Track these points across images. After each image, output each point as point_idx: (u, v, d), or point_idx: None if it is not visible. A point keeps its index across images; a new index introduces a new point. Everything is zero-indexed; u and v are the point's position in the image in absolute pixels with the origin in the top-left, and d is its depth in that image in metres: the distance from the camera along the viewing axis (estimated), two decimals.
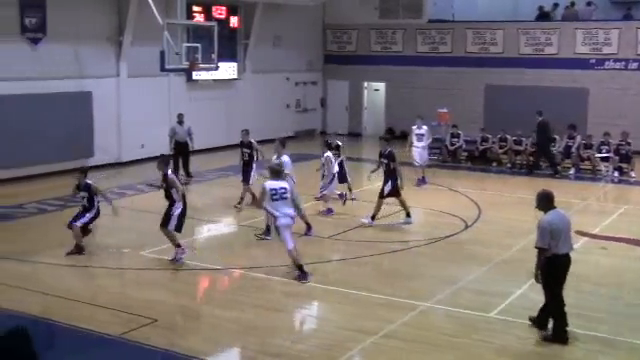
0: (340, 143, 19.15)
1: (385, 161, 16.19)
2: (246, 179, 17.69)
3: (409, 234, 15.43)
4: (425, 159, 21.35)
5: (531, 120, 23.85)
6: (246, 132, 18.30)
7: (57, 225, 15.07)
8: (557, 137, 24.33)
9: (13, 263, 12.93)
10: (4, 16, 20.50)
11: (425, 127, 21.33)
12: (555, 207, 9.70)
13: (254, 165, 17.75)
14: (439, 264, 13.48)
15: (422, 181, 20.97)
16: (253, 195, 16.98)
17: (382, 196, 16.08)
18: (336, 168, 17.57)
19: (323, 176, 17.48)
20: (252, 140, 18.05)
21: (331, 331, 10.07)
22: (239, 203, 17.29)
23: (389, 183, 16.02)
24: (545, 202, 9.70)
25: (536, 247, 9.55)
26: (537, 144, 24.01)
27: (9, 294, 11.43)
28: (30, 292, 11.71)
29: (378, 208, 16.06)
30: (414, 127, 21.32)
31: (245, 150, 18.01)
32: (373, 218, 16.04)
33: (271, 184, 12.06)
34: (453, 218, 16.92)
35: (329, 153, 17.58)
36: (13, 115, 20.45)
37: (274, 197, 11.96)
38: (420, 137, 21.19)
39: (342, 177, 18.39)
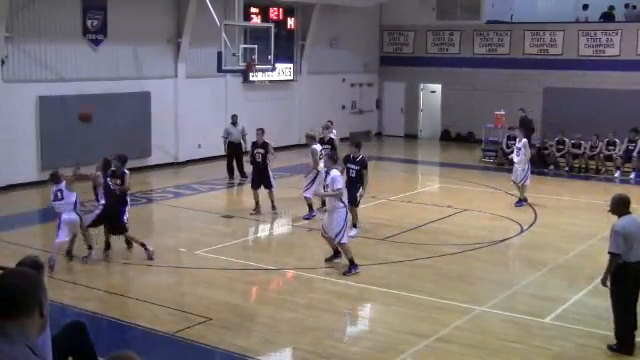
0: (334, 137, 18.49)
1: (356, 168, 14.82)
2: (267, 184, 16.96)
3: (464, 237, 15.29)
4: (520, 176, 18.38)
5: (597, 124, 23.51)
6: (261, 131, 17.49)
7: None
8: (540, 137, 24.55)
9: (73, 260, 13.19)
10: (67, 18, 20.94)
11: (524, 140, 18.76)
12: (630, 212, 9.28)
13: (269, 168, 17.11)
14: (494, 268, 13.35)
15: (519, 202, 18.40)
16: (273, 201, 16.98)
17: (356, 204, 14.99)
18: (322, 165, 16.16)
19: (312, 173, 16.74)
20: (267, 141, 17.32)
21: (384, 333, 10.04)
22: (255, 210, 16.98)
23: (360, 190, 14.91)
24: (621, 207, 9.27)
25: (609, 252, 9.14)
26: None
27: (68, 291, 11.66)
28: (88, 289, 11.95)
29: (355, 215, 15.16)
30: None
31: (259, 151, 17.12)
32: (355, 225, 15.14)
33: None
34: (509, 222, 16.71)
35: (316, 145, 16.83)
36: (74, 115, 20.86)
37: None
38: (517, 151, 18.60)
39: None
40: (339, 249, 12.82)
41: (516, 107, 28.16)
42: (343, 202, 12.52)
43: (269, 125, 26.18)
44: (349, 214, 12.64)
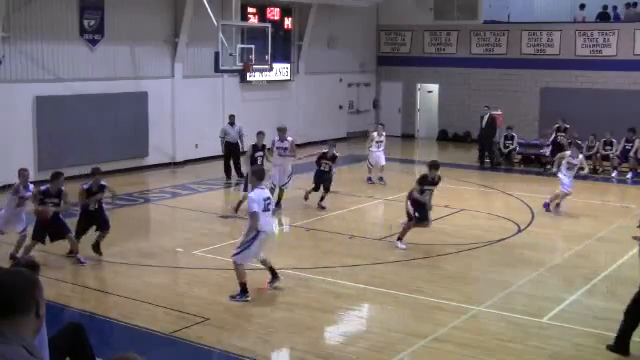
0: (337, 154, 18.18)
1: (432, 188, 14.33)
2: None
3: (461, 237, 15.29)
4: (566, 186, 17.42)
5: (594, 124, 23.54)
6: (262, 135, 17.47)
7: (111, 223, 15.31)
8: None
9: (70, 260, 13.18)
10: (64, 18, 20.92)
11: (581, 157, 17.67)
12: None
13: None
14: (491, 268, 13.34)
15: (548, 207, 17.64)
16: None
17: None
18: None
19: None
20: (265, 143, 17.26)
21: (381, 333, 10.05)
22: (236, 211, 16.81)
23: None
24: None
25: None
26: (484, 137, 25.33)
27: (66, 291, 11.66)
28: (86, 289, 11.95)
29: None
30: (567, 153, 17.95)
31: (259, 154, 17.16)
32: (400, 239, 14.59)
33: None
34: (506, 222, 16.72)
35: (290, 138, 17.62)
36: (71, 115, 20.84)
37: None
38: (571, 167, 17.40)
39: (321, 183, 17.60)
40: (273, 270, 11.74)
41: (514, 107, 28.30)
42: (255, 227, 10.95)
43: (266, 125, 26.18)
44: (258, 241, 11.18)
